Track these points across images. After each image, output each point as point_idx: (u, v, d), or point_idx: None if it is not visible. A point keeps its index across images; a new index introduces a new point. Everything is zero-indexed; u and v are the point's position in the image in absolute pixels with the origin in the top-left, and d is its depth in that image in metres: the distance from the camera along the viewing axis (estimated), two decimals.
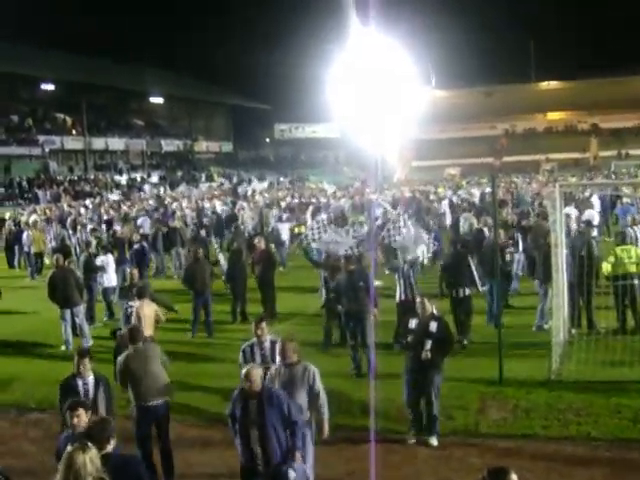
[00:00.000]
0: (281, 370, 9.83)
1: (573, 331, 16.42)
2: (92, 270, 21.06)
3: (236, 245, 22.97)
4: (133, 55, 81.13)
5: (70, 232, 31.94)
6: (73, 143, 72.26)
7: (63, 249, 26.08)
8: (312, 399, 9.72)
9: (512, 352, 14.63)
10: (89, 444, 6.97)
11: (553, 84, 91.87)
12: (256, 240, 21.74)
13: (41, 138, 67.68)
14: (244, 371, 8.83)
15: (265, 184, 56.05)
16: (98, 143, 74.94)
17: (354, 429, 11.88)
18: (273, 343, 10.66)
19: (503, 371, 13.80)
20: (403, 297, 16.61)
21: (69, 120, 73.50)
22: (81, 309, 18.57)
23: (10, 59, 62.90)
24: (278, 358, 10.08)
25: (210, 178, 76.57)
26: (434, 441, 11.43)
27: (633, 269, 16.94)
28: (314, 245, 19.36)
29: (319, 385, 9.75)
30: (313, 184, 59.53)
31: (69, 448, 6.91)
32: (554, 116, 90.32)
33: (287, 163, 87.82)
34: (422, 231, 20.56)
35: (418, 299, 12.52)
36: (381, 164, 61.51)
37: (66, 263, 19.80)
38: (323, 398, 9.77)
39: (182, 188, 59.14)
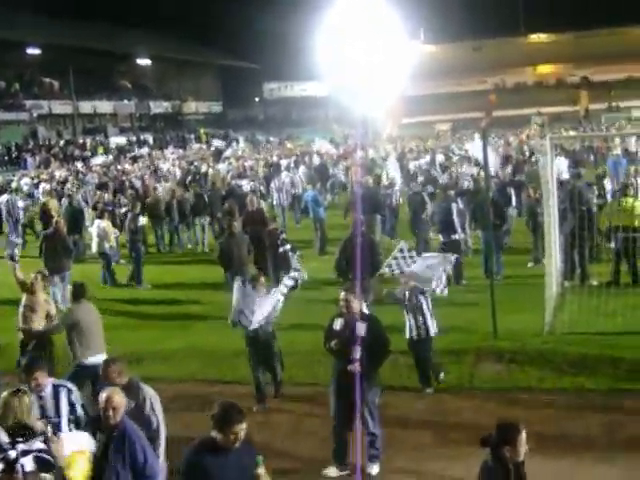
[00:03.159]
0: None
1: (566, 283, 16.44)
2: (136, 231, 21.04)
3: (227, 206, 22.71)
4: (118, 17, 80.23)
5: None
6: (61, 107, 71.72)
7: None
8: (147, 428, 7.75)
9: (506, 305, 14.62)
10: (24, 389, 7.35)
11: (543, 37, 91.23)
12: (247, 199, 21.52)
13: (28, 103, 67.18)
14: (104, 395, 7.10)
15: (240, 145, 54.16)
16: (86, 107, 74.41)
17: None
18: (57, 388, 8.36)
19: (497, 324, 13.82)
20: (415, 333, 12.00)
21: (56, 84, 72.90)
22: (67, 275, 18.41)
23: None
24: (65, 409, 8.20)
25: (199, 139, 76.20)
26: (375, 469, 9.52)
27: (636, 222, 16.88)
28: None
29: (151, 412, 7.97)
30: (290, 143, 58.76)
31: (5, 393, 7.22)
32: (544, 69, 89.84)
33: (277, 122, 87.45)
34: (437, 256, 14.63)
35: (342, 294, 9.95)
36: (371, 121, 61.25)
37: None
38: (157, 428, 8.02)
39: (170, 150, 58.68)
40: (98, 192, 30.09)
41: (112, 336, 15.27)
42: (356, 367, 9.28)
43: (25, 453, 5.92)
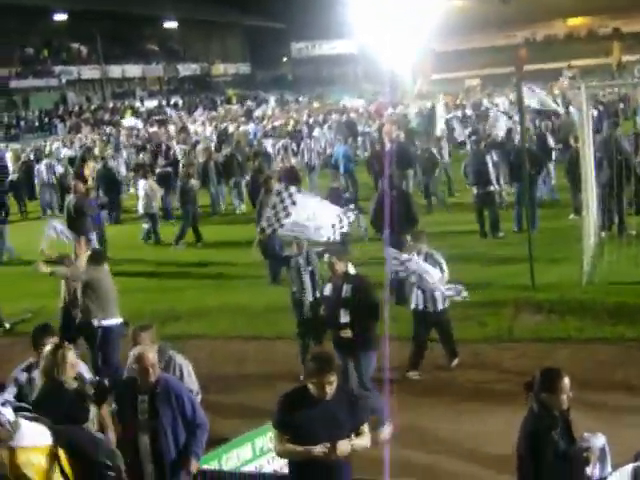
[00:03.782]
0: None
1: (604, 234, 16.26)
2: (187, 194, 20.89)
3: (257, 165, 22.60)
4: None
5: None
6: (90, 72, 71.72)
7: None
8: None
9: (544, 257, 14.51)
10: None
11: None
12: (279, 157, 21.45)
13: (57, 69, 67.25)
14: (135, 352, 6.90)
15: (270, 105, 52.76)
16: (115, 71, 74.39)
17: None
18: None
19: (535, 276, 13.71)
20: (421, 306, 10.74)
21: (84, 49, 72.90)
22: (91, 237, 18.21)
23: None
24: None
25: (228, 101, 75.96)
26: (384, 432, 8.69)
27: None
28: (281, 231, 11.67)
29: (189, 381, 7.77)
30: (317, 102, 57.99)
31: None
32: (575, 22, 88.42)
33: (306, 82, 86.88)
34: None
35: (326, 257, 9.73)
36: (400, 77, 60.84)
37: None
38: (197, 392, 7.92)
39: (199, 112, 58.39)
40: (141, 155, 30.21)
41: (149, 296, 15.55)
42: (347, 332, 9.09)
43: (4, 404, 6.05)
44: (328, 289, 9.53)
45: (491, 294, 13.56)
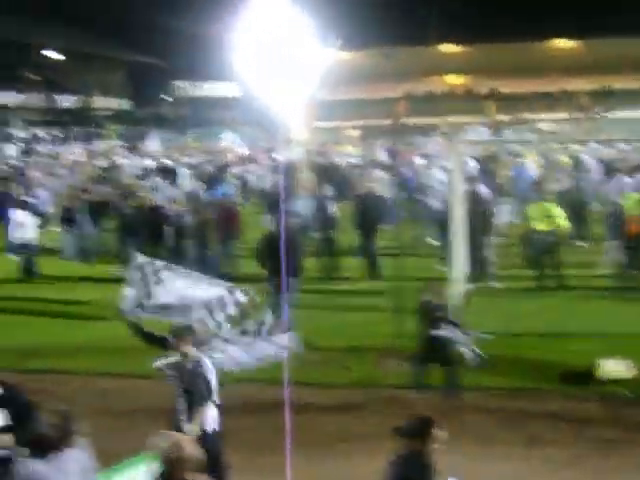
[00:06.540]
0: None
1: (471, 285, 16.66)
2: None
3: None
4: (21, 6, 77.94)
5: None
6: None
7: None
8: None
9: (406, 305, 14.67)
10: None
11: (452, 47, 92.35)
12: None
13: None
14: None
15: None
16: None
17: None
18: None
19: (399, 325, 13.84)
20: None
21: None
22: None
23: None
24: None
25: (107, 136, 74.96)
26: None
27: (542, 226, 17.49)
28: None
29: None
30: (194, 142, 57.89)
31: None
32: (453, 79, 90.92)
33: (187, 122, 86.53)
34: None
35: None
36: (282, 124, 61.22)
37: None
38: None
39: (78, 145, 57.09)
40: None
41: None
42: None
43: None
44: None
45: (353, 340, 13.67)
